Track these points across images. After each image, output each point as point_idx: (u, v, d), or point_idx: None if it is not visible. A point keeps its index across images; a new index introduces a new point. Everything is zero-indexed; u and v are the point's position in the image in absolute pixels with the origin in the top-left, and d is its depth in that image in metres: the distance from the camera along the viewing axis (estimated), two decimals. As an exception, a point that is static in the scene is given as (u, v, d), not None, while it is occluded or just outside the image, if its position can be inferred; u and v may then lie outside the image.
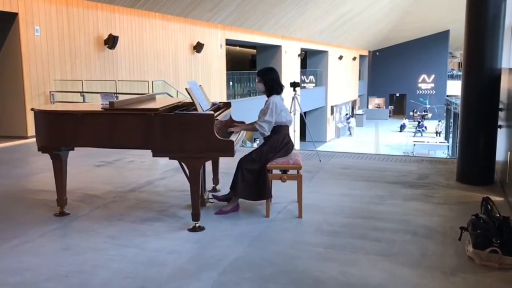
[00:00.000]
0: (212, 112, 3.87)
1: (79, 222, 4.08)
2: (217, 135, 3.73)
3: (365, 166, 6.31)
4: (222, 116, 4.30)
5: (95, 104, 4.54)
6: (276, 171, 4.30)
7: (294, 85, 6.88)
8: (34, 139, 8.54)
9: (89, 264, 3.20)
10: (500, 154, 5.24)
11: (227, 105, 4.85)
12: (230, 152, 3.78)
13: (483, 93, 5.14)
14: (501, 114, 5.18)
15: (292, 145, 4.41)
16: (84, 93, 9.71)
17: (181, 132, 3.72)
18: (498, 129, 5.20)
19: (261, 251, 3.42)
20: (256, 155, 4.22)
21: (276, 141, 4.25)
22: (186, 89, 4.00)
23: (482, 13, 5.12)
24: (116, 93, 8.87)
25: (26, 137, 8.91)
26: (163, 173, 5.95)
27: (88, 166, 6.38)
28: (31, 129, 8.93)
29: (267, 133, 4.26)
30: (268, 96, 4.31)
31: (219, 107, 4.69)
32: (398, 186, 5.20)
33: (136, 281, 2.95)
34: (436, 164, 6.43)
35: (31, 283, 2.94)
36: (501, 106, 5.18)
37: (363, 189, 5.10)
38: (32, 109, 4.16)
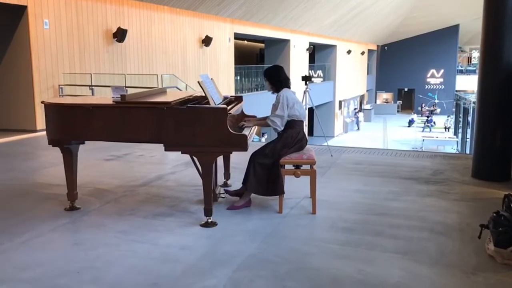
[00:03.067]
0: (225, 105, 3.80)
1: (90, 217, 4.03)
2: (230, 129, 3.66)
3: (378, 162, 6.22)
4: (234, 110, 4.23)
5: (106, 97, 4.49)
6: (289, 166, 4.22)
7: (306, 79, 6.79)
8: (43, 133, 8.51)
9: (101, 260, 3.15)
10: (517, 150, 5.14)
11: (238, 99, 4.78)
12: (243, 146, 3.71)
13: (500, 88, 5.04)
14: (519, 109, 5.07)
15: (306, 141, 4.32)
16: (93, 87, 9.66)
17: (193, 126, 3.65)
18: (515, 124, 5.09)
19: (275, 248, 3.35)
20: (269, 150, 4.14)
21: (290, 137, 4.17)
22: (198, 82, 3.93)
23: (500, 8, 5.00)
24: (126, 87, 8.80)
25: (35, 131, 8.89)
26: (173, 167, 5.89)
27: (98, 160, 6.33)
28: (40, 123, 8.91)
29: (280, 128, 4.16)
30: (276, 91, 4.23)
31: (230, 100, 4.61)
32: (412, 182, 5.11)
33: (149, 278, 2.90)
34: (450, 159, 6.32)
35: (42, 279, 2.89)
36: (518, 101, 5.07)
37: (377, 185, 5.01)
38: (42, 102, 4.10)
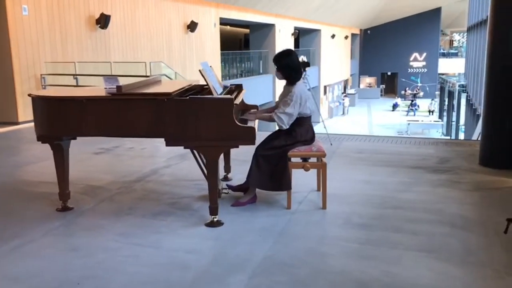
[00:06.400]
0: (230, 96, 3.52)
1: (84, 218, 3.73)
2: (236, 122, 3.39)
3: (381, 150, 6.01)
4: (238, 100, 3.94)
5: (98, 88, 4.15)
6: (295, 159, 3.96)
7: (304, 65, 6.51)
8: (26, 125, 8.11)
9: (101, 267, 2.88)
10: (527, 136, 4.97)
11: (239, 88, 4.49)
12: (250, 140, 3.44)
13: (510, 72, 4.84)
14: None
15: (314, 136, 4.03)
16: (77, 76, 9.23)
17: (197, 118, 3.36)
18: (525, 109, 4.91)
19: (290, 249, 3.12)
20: (275, 144, 3.84)
21: (299, 135, 3.84)
22: (199, 70, 3.63)
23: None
24: (113, 76, 8.41)
25: (17, 123, 8.44)
26: (167, 160, 5.60)
27: (87, 153, 5.99)
28: (22, 114, 8.48)
29: (286, 127, 3.79)
30: (290, 83, 3.87)
31: (231, 90, 4.33)
32: (420, 171, 4.91)
33: (157, 287, 2.64)
34: (454, 146, 6.15)
35: (39, 292, 2.61)
36: (528, 85, 4.89)
37: (385, 175, 4.80)
38: (29, 95, 3.75)
